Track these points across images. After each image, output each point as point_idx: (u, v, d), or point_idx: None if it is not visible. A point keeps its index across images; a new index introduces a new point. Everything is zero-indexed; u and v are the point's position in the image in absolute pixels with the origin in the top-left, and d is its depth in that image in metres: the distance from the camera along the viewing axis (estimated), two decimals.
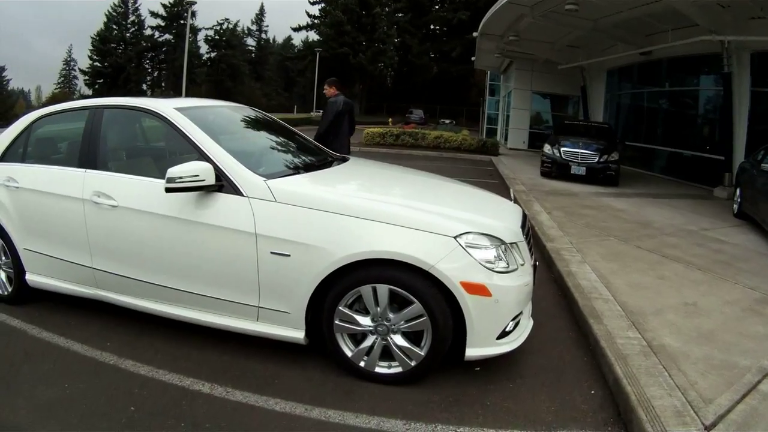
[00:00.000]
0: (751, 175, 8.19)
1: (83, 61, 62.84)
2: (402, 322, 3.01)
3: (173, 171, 3.11)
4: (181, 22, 57.41)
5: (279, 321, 3.19)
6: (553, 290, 4.92)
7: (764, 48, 10.66)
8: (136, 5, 60.63)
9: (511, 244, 3.13)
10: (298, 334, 3.17)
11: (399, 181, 4.12)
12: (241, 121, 4.37)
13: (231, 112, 4.43)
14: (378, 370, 3.13)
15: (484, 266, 2.93)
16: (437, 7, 58.73)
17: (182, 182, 3.10)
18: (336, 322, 3.10)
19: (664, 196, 10.95)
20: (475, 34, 21.39)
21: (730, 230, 7.74)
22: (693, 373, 3.22)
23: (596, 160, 12.12)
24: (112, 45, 58.80)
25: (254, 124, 4.46)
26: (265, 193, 3.15)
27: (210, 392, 3.00)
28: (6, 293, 4.19)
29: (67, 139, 4.33)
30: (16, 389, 3.00)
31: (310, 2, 57.19)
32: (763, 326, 4.03)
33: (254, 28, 70.02)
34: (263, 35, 71.25)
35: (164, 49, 60.54)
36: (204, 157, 3.31)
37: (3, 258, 4.19)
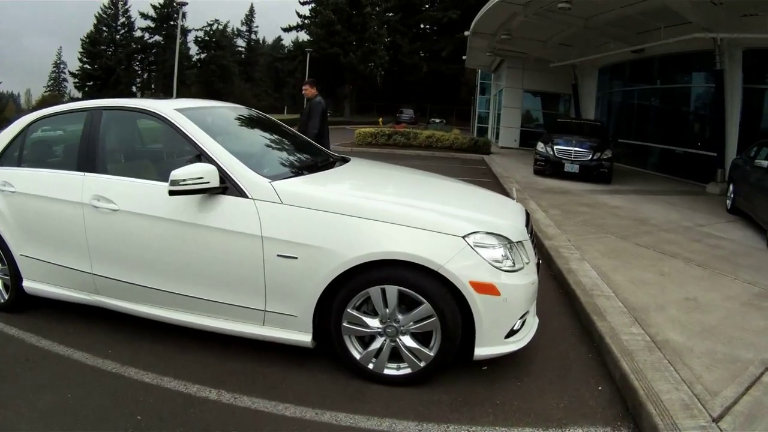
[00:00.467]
0: (744, 172, 8.27)
1: (73, 64, 62.32)
2: (411, 323, 3.00)
3: (177, 173, 3.05)
4: (171, 23, 57.13)
5: (286, 324, 3.15)
6: (553, 288, 4.93)
7: (756, 45, 10.78)
8: (126, 7, 60.15)
9: (517, 242, 3.13)
10: (305, 338, 3.14)
11: (403, 181, 4.09)
12: (240, 121, 4.31)
13: (229, 112, 4.36)
14: (387, 371, 3.11)
15: (493, 265, 2.93)
16: (427, 6, 58.76)
17: (186, 185, 3.05)
18: (344, 324, 3.07)
19: (658, 193, 11.03)
20: (466, 33, 21.45)
21: (725, 226, 7.80)
22: (698, 367, 3.24)
23: (589, 157, 12.19)
24: (102, 47, 58.26)
25: (253, 124, 4.41)
26: (270, 194, 3.11)
27: (217, 398, 2.96)
28: (2, 301, 4.09)
29: (65, 142, 4.25)
30: (18, 398, 2.94)
31: (300, 2, 57.01)
32: (763, 320, 4.07)
33: (244, 28, 69.79)
34: (253, 36, 71.07)
35: (154, 50, 60.12)
36: (207, 158, 3.26)
37: None
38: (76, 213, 3.55)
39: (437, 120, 43.55)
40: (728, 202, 9.02)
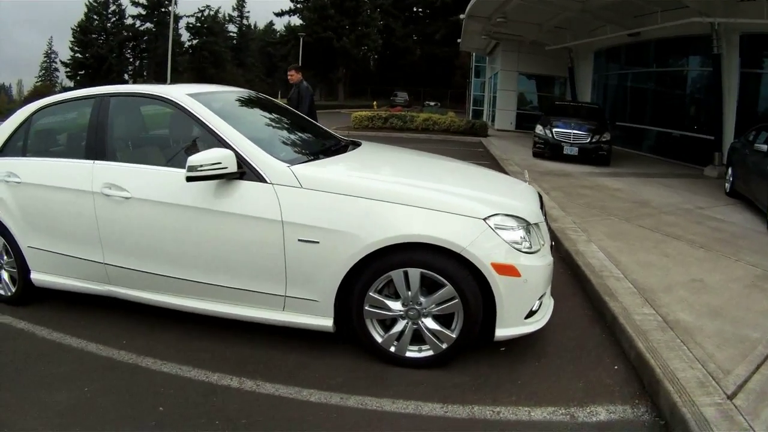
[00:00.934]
0: (743, 155, 8.33)
1: (64, 53, 61.64)
2: (433, 306, 3.02)
3: (194, 159, 3.02)
4: (162, 10, 56.44)
5: (306, 309, 3.15)
6: (562, 269, 4.99)
7: (753, 30, 10.79)
8: None
9: (534, 224, 3.16)
10: (326, 322, 3.14)
11: (419, 164, 4.09)
12: (250, 106, 4.25)
13: (238, 97, 4.27)
14: (409, 354, 3.13)
15: (513, 247, 2.97)
16: None
17: (204, 170, 3.01)
18: (366, 308, 3.07)
19: (656, 176, 11.11)
20: (462, 16, 21.31)
21: (724, 209, 7.89)
22: (709, 346, 3.32)
23: (588, 140, 12.25)
24: (93, 35, 57.53)
25: (262, 108, 4.32)
26: (290, 179, 3.09)
27: (239, 386, 2.94)
28: (10, 294, 4.02)
29: (71, 130, 4.20)
30: (33, 395, 2.87)
31: None
32: (767, 301, 4.15)
33: (235, 14, 68.90)
34: (245, 21, 70.27)
35: (145, 38, 59.41)
36: (223, 144, 3.21)
37: (5, 257, 4.02)
38: (86, 202, 3.49)
39: (431, 103, 43.39)
40: (727, 185, 9.10)
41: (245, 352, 3.31)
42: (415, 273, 2.95)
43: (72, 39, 57.15)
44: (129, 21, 59.59)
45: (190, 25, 60.14)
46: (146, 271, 3.41)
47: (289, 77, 7.73)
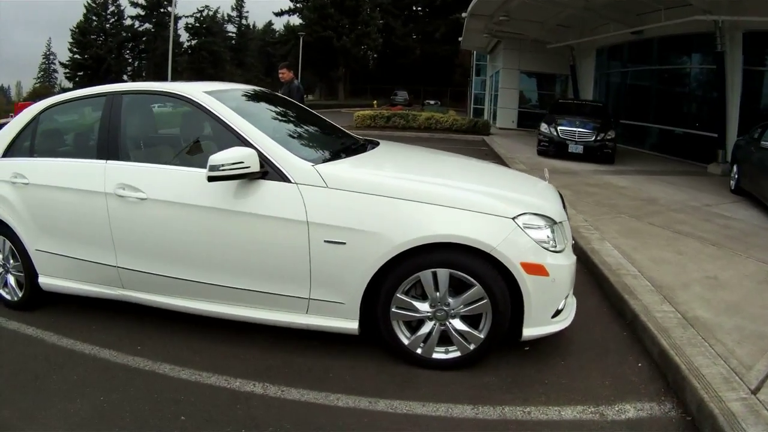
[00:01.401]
0: (749, 153, 8.36)
1: (63, 54, 61.64)
2: (461, 306, 3.00)
3: (216, 158, 2.94)
4: (161, 10, 56.52)
5: (331, 312, 3.10)
6: (578, 267, 4.99)
7: (756, 28, 10.81)
8: None
9: (559, 223, 3.17)
10: (351, 325, 3.09)
11: (441, 163, 4.05)
12: (263, 103, 4.13)
13: (251, 94, 4.12)
14: (436, 356, 3.11)
15: (541, 246, 2.97)
16: None
17: (226, 170, 2.93)
18: (393, 309, 3.04)
19: (661, 173, 11.14)
20: (463, 14, 21.33)
21: (731, 206, 7.92)
22: (729, 342, 3.35)
23: (593, 138, 12.29)
24: (92, 36, 57.56)
25: (276, 106, 4.19)
26: (314, 178, 3.03)
27: (264, 392, 2.88)
28: (16, 299, 3.91)
29: (81, 130, 4.11)
30: (47, 405, 2.74)
31: None
32: None
33: (234, 14, 68.82)
34: (244, 21, 70.26)
35: (144, 38, 59.47)
36: (244, 142, 3.13)
37: (11, 261, 3.91)
38: (98, 203, 3.40)
39: (432, 102, 43.42)
40: (732, 182, 9.13)
41: (266, 356, 3.25)
42: (444, 273, 2.93)
43: (71, 40, 57.18)
44: (128, 22, 59.68)
45: (189, 26, 60.10)
46: (162, 275, 3.34)
47: (280, 75, 7.69)
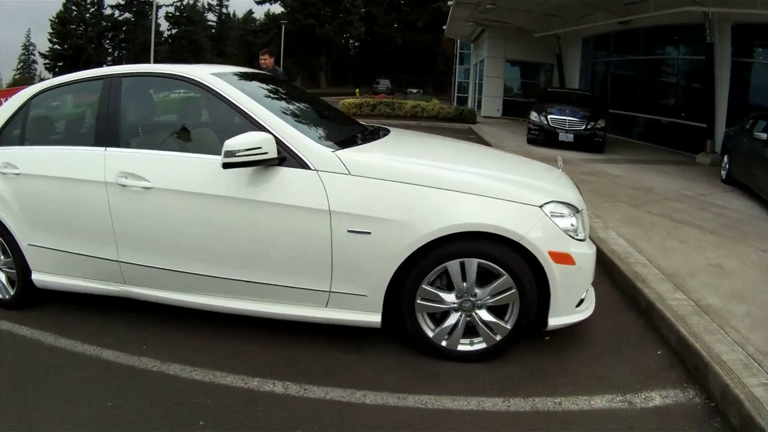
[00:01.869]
0: (741, 143, 8.47)
1: (43, 45, 60.54)
2: (488, 297, 2.94)
3: (232, 144, 2.76)
4: (141, 0, 55.71)
5: (352, 305, 2.99)
6: None
7: (745, 20, 10.94)
8: None
9: (581, 211, 3.16)
10: (374, 318, 2.99)
11: (458, 151, 3.97)
12: (272, 88, 3.83)
13: (257, 79, 3.86)
14: (461, 348, 3.04)
15: (567, 235, 2.94)
16: None
17: (242, 156, 2.76)
18: (418, 301, 2.95)
19: (651, 162, 11.27)
20: (449, 2, 21.33)
21: (723, 195, 8.04)
22: (743, 329, 3.39)
23: (583, 127, 12.39)
24: (72, 26, 56.95)
25: (284, 91, 3.93)
26: (336, 165, 2.90)
27: (285, 392, 2.74)
28: (8, 297, 3.68)
29: (76, 116, 3.88)
30: (49, 412, 2.55)
31: None
32: None
33: (215, 3, 68.14)
34: (224, 10, 69.51)
35: (124, 28, 59.00)
36: (259, 127, 2.97)
37: (2, 257, 3.69)
38: (97, 194, 3.20)
39: (414, 90, 43.40)
40: (723, 172, 9.26)
41: (281, 352, 3.11)
42: (471, 263, 2.85)
43: (50, 30, 56.54)
44: (108, 11, 59.22)
45: (170, 15, 59.72)
46: (169, 269, 3.16)
47: (261, 62, 7.50)
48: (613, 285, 4.37)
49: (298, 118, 3.44)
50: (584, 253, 3.01)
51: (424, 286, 2.93)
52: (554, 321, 3.01)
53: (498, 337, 3.02)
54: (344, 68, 58.92)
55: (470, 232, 2.82)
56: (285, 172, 2.93)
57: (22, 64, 67.91)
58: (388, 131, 3.96)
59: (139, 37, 54.15)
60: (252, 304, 3.11)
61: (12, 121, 3.65)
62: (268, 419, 2.53)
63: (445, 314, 3.03)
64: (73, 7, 57.39)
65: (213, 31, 66.67)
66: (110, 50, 61.00)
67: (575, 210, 3.09)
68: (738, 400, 2.59)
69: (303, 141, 2.98)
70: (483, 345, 3.04)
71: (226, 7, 69.57)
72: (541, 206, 2.92)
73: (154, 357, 3.04)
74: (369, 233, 2.84)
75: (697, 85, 13.30)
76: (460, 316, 3.00)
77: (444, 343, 3.05)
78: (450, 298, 2.97)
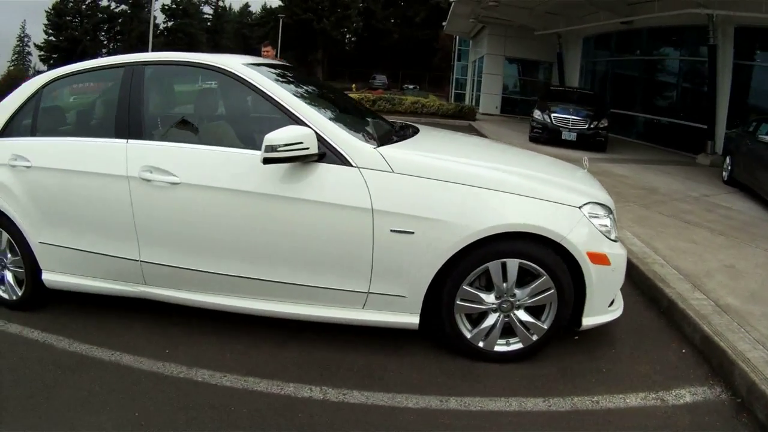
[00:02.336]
0: (745, 146, 8.58)
1: (38, 37, 60.53)
2: (527, 297, 2.96)
3: (273, 138, 2.67)
4: None
5: (391, 306, 2.94)
6: None
7: (748, 23, 11.10)
8: None
9: (612, 212, 3.23)
10: (412, 319, 2.96)
11: (490, 150, 3.97)
12: (299, 81, 3.58)
13: (284, 70, 3.67)
14: (498, 348, 3.05)
15: (604, 235, 3.01)
16: None
17: (284, 151, 2.68)
18: (457, 302, 2.94)
19: (653, 162, 11.42)
20: None
21: (727, 197, 8.19)
22: (762, 328, 3.50)
23: (587, 126, 12.53)
24: (68, 18, 56.74)
25: (311, 85, 3.71)
26: (378, 162, 2.84)
27: (323, 397, 2.68)
28: (15, 298, 3.51)
29: (93, 106, 3.72)
30: (70, 419, 2.41)
31: None
32: None
33: None
34: (220, 3, 69.36)
35: (120, 20, 58.91)
36: (296, 121, 2.89)
37: (9, 255, 3.50)
38: (118, 189, 3.06)
39: (410, 86, 43.43)
40: (725, 174, 9.40)
41: (312, 356, 3.05)
42: (513, 264, 2.87)
43: (46, 22, 56.26)
44: (104, 3, 59.06)
45: (166, 7, 59.71)
46: (195, 269, 3.05)
47: (264, 54, 7.45)
48: (631, 284, 4.46)
49: (332, 112, 3.30)
50: (618, 253, 3.08)
51: (464, 286, 2.93)
52: (588, 321, 3.07)
53: (534, 337, 3.04)
54: (341, 63, 58.82)
55: (511, 232, 2.83)
56: (325, 169, 2.86)
57: (16, 55, 67.50)
58: (417, 129, 3.87)
59: (135, 29, 54.36)
60: (284, 306, 3.04)
61: (21, 111, 3.48)
62: (311, 427, 2.47)
63: (483, 315, 3.03)
64: None
65: (209, 24, 66.56)
66: (106, 42, 60.79)
67: (609, 210, 3.17)
68: (765, 395, 2.70)
69: (344, 137, 2.92)
70: (519, 345, 3.07)
71: (222, 0, 69.56)
72: (580, 207, 2.97)
73: (178, 362, 2.92)
74: (412, 233, 2.80)
75: (698, 86, 13.48)
76: (499, 316, 3.01)
77: (481, 344, 3.05)
78: (489, 298, 2.98)
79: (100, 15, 58.66)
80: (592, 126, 12.49)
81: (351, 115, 3.63)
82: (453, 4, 21.78)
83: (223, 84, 3.37)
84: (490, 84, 25.02)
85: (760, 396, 2.74)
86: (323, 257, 2.92)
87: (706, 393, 2.96)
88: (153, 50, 41.12)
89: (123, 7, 58.71)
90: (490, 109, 24.71)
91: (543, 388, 2.89)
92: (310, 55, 54.18)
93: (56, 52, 55.68)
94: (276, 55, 7.60)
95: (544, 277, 2.92)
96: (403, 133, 3.63)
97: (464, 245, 2.81)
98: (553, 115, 12.88)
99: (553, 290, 2.94)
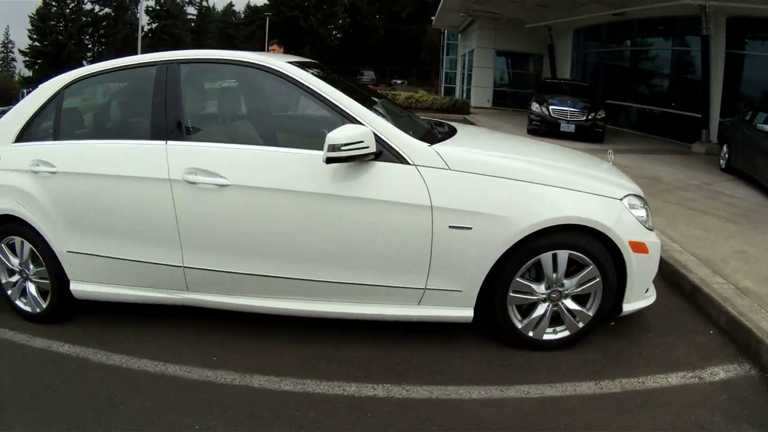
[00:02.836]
0: (742, 134, 8.87)
1: (22, 42, 59.87)
2: (575, 286, 3.10)
3: (335, 137, 2.68)
4: None
5: (447, 301, 3.03)
6: None
7: (739, 13, 11.42)
8: None
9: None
10: (467, 313, 3.06)
11: (527, 146, 4.05)
12: (336, 81, 3.41)
13: (321, 70, 3.55)
14: (546, 337, 3.19)
15: (641, 225, 3.22)
16: None
17: (346, 150, 2.69)
18: (510, 293, 3.05)
19: (651, 152, 11.71)
20: None
21: (727, 184, 8.48)
22: None
23: (584, 117, 12.81)
24: (52, 22, 56.46)
25: (348, 84, 3.65)
26: (435, 160, 2.92)
27: (388, 395, 2.71)
28: (39, 310, 3.38)
29: (122, 107, 3.66)
30: None
31: None
32: None
33: None
34: (204, 3, 68.95)
35: (104, 23, 58.69)
36: (351, 120, 2.90)
37: (32, 266, 3.36)
38: (159, 193, 2.99)
39: (398, 81, 43.58)
40: (722, 162, 9.68)
41: (364, 353, 3.09)
42: (563, 255, 3.01)
43: (30, 27, 55.87)
44: (87, 6, 58.74)
45: (150, 9, 59.37)
46: (245, 273, 3.03)
47: (271, 52, 7.42)
48: None
49: (380, 111, 3.31)
50: (654, 242, 3.30)
51: (517, 278, 3.05)
52: (628, 307, 3.29)
53: (581, 325, 3.20)
54: (327, 59, 58.60)
55: (562, 224, 2.97)
56: (382, 167, 2.89)
57: (1, 62, 67.03)
58: (454, 126, 3.90)
59: (119, 31, 54.21)
60: (337, 306, 3.08)
61: (41, 114, 3.36)
62: (384, 426, 2.50)
63: (532, 305, 3.16)
64: (53, 3, 56.82)
65: (193, 24, 66.24)
66: (90, 46, 60.43)
67: (644, 201, 3.40)
68: None
69: (399, 135, 2.97)
70: (566, 333, 3.22)
71: (206, 0, 69.23)
72: (621, 199, 3.17)
73: (229, 369, 2.87)
74: (470, 228, 2.88)
75: (690, 76, 13.81)
76: (548, 306, 3.15)
77: (531, 334, 3.18)
78: (540, 289, 3.12)
79: (84, 19, 58.30)
80: (589, 117, 12.78)
81: (395, 113, 3.67)
82: None
83: (267, 83, 3.30)
84: (480, 77, 25.25)
85: None
86: (381, 256, 2.97)
87: (737, 370, 3.20)
88: (141, 52, 41.07)
89: (107, 10, 58.55)
90: (482, 102, 24.91)
91: (592, 372, 3.06)
92: (296, 52, 54.05)
93: (41, 57, 55.43)
94: (284, 53, 7.59)
95: (591, 267, 3.08)
96: (444, 130, 3.70)
97: (519, 238, 2.92)
98: (551, 107, 13.15)
99: (598, 279, 3.11)
